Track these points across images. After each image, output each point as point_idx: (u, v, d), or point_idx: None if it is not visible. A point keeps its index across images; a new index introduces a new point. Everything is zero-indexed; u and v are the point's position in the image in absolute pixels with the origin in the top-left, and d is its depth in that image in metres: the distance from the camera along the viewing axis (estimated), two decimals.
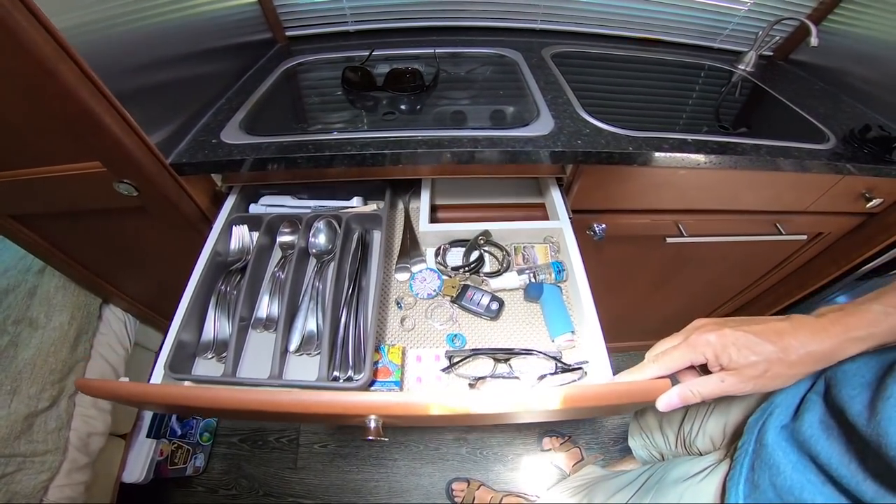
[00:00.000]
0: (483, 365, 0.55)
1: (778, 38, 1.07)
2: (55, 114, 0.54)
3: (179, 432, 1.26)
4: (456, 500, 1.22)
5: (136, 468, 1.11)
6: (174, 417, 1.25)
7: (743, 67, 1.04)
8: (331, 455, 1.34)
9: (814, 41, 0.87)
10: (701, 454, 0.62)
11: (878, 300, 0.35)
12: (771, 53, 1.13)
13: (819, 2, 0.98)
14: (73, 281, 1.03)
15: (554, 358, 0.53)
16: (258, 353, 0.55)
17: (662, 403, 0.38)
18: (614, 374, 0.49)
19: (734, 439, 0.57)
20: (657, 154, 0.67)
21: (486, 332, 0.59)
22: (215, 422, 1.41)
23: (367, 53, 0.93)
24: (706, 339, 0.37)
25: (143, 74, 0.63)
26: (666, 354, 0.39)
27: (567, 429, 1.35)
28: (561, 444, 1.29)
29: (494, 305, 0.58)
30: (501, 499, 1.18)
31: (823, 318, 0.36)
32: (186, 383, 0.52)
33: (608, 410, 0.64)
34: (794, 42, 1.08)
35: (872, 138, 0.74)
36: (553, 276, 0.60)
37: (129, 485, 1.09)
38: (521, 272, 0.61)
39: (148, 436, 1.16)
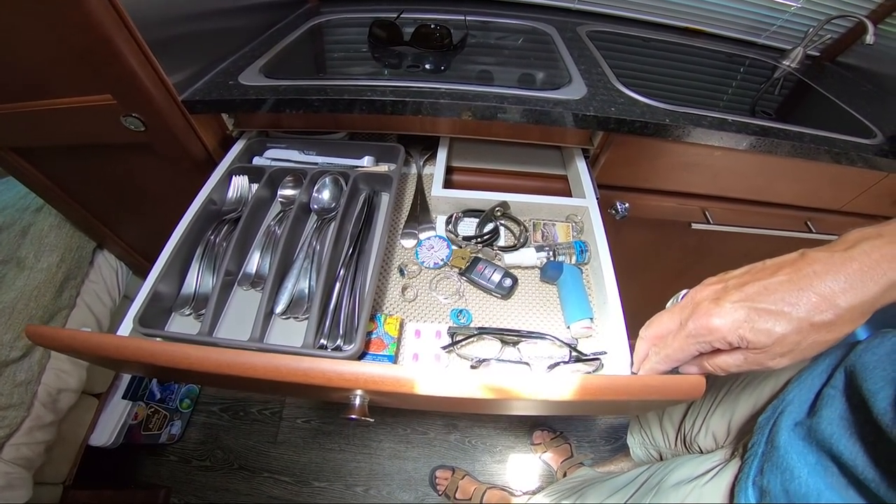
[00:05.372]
0: (489, 346, 0.50)
1: (828, 37, 1.02)
2: (74, 42, 0.52)
3: (158, 396, 1.18)
4: (439, 488, 1.18)
5: (106, 431, 1.02)
6: (155, 380, 1.17)
7: (787, 63, 0.98)
8: (313, 431, 1.29)
9: (870, 38, 0.83)
10: (702, 452, 0.58)
11: None
12: (817, 54, 1.07)
13: (878, 4, 0.92)
14: (69, 221, 0.97)
15: (569, 345, 0.48)
16: (241, 312, 0.50)
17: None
18: None
19: (741, 436, 0.52)
20: (695, 129, 0.62)
21: (495, 311, 0.53)
22: (198, 388, 1.33)
23: (396, 15, 0.87)
24: (708, 326, 0.29)
25: (173, 25, 0.61)
26: (666, 345, 0.33)
27: (559, 424, 1.30)
28: (552, 438, 1.25)
29: (507, 282, 0.53)
30: (485, 491, 1.14)
31: (855, 251, 0.26)
32: (156, 340, 0.46)
33: (620, 408, 0.60)
34: (844, 43, 1.02)
35: None
36: (574, 257, 0.55)
37: (96, 448, 1.01)
38: (539, 249, 0.56)
39: (124, 397, 1.07)
